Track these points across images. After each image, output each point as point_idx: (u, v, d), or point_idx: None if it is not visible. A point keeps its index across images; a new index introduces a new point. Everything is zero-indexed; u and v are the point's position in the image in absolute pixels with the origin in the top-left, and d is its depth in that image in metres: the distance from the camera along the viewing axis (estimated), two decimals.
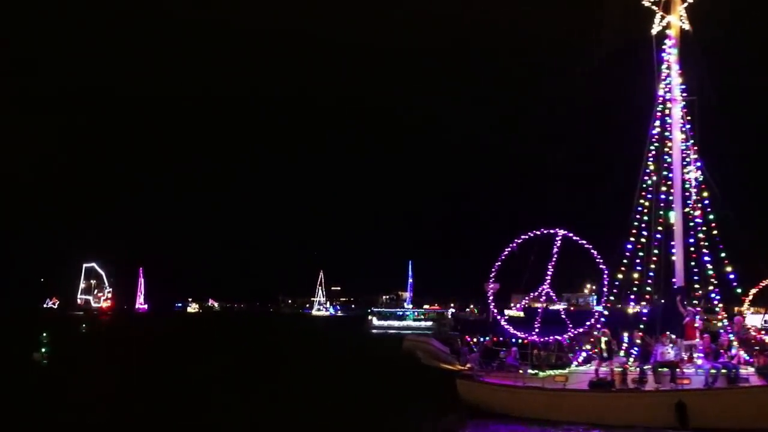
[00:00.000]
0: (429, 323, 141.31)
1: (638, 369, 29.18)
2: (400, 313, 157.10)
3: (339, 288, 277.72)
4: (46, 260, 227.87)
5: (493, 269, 32.59)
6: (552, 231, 31.71)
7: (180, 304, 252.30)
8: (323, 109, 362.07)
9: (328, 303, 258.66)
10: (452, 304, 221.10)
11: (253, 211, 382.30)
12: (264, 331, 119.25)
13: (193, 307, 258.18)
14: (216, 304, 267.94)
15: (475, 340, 33.61)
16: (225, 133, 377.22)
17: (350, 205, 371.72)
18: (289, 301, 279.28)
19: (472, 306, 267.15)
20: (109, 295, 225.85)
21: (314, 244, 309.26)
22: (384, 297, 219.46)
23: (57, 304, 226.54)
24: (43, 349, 62.42)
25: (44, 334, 70.86)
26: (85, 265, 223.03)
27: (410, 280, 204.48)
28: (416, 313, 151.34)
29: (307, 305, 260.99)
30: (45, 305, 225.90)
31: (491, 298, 33.96)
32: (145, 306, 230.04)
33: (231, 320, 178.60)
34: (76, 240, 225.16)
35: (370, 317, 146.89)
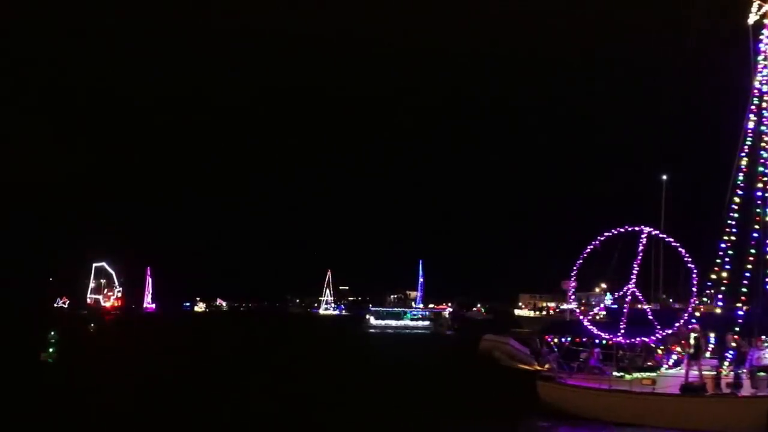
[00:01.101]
0: (426, 323, 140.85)
1: (733, 373, 28.14)
2: (397, 312, 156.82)
3: (347, 288, 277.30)
4: (56, 259, 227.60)
5: (574, 267, 31.65)
6: (637, 228, 30.83)
7: (188, 304, 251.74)
8: (324, 109, 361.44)
9: (333, 303, 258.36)
10: (449, 304, 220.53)
11: (262, 210, 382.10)
12: (266, 329, 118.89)
13: (200, 307, 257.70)
14: (224, 304, 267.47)
15: (555, 340, 32.64)
16: (237, 136, 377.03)
17: (360, 204, 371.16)
18: (297, 301, 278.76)
19: (479, 305, 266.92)
20: (119, 295, 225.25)
21: (322, 244, 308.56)
22: (392, 297, 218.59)
23: (68, 303, 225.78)
24: (51, 349, 62.01)
25: (52, 333, 69.59)
26: (95, 265, 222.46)
27: (421, 280, 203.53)
28: (413, 313, 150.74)
29: (315, 304, 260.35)
30: (56, 304, 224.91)
31: (572, 297, 33.05)
32: (153, 306, 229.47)
33: (239, 319, 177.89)
34: (87, 239, 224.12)
35: (367, 316, 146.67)
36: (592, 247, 30.84)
